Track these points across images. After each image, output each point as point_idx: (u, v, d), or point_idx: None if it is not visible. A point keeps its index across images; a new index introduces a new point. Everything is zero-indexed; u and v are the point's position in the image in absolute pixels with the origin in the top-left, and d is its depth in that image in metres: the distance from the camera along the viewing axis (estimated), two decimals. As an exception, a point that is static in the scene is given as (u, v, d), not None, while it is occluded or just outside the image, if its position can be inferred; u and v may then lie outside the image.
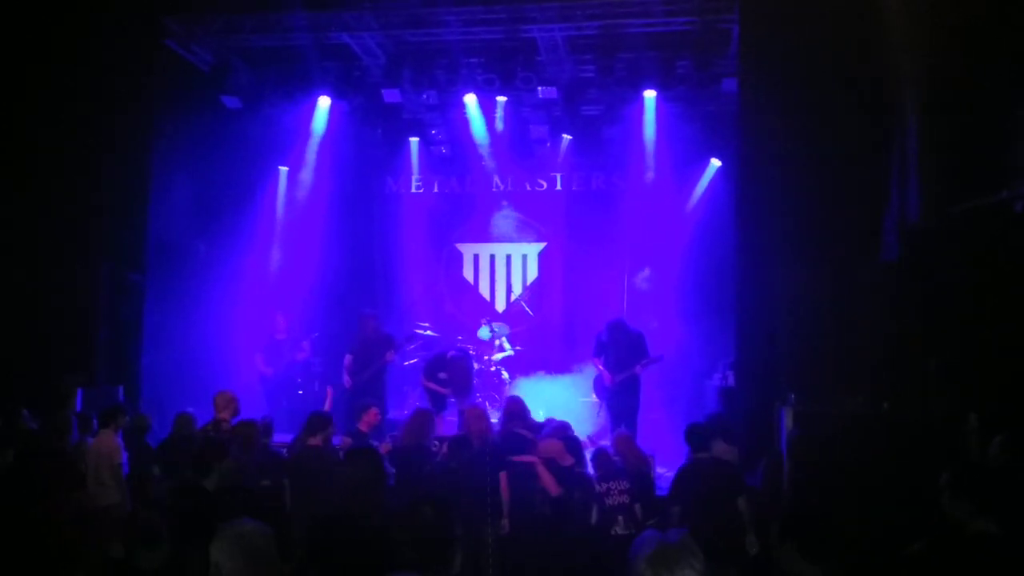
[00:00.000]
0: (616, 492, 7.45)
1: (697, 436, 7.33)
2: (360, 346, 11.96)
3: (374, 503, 6.60)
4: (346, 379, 11.89)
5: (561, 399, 12.27)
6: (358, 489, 6.58)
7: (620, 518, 7.35)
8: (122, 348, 10.76)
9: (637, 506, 7.47)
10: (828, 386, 8.96)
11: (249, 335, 13.38)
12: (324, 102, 13.33)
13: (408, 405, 13.12)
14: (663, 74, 12.12)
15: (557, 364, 13.42)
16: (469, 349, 12.97)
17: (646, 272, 13.52)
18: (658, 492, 8.23)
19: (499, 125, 13.83)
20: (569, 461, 7.43)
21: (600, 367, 11.11)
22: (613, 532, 7.28)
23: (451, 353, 12.02)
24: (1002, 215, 8.53)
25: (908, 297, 9.04)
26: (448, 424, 11.73)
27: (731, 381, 10.81)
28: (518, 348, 14.14)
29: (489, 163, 14.59)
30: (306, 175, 14.45)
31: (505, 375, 13.48)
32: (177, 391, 10.77)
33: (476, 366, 12.85)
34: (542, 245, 15.47)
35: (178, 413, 8.84)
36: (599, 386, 11.22)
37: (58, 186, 10.38)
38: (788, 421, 8.48)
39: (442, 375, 11.80)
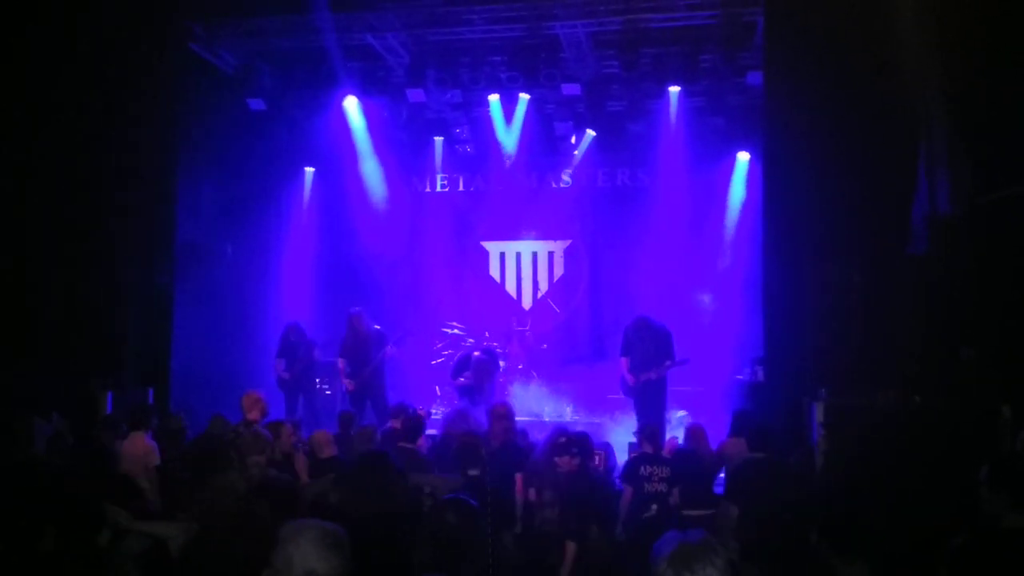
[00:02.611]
0: (657, 479, 7.51)
1: (757, 435, 7.40)
2: (353, 346, 11.90)
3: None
4: (346, 383, 11.87)
5: (588, 396, 12.23)
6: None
7: (654, 506, 7.42)
8: (151, 351, 10.79)
9: (675, 490, 7.52)
10: (859, 380, 8.87)
11: (277, 336, 13.42)
12: (351, 102, 13.37)
13: (437, 404, 13.13)
14: (687, 68, 12.01)
15: (584, 361, 13.38)
16: (496, 348, 12.92)
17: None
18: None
19: (521, 123, 13.77)
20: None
21: (624, 369, 11.01)
22: (644, 516, 7.38)
23: (476, 354, 11.97)
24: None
25: (938, 289, 8.94)
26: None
27: (759, 376, 10.73)
28: (544, 346, 14.14)
29: (512, 161, 14.53)
30: (331, 176, 14.50)
31: (533, 373, 13.45)
32: (207, 393, 10.79)
33: (503, 364, 12.81)
34: (568, 242, 15.40)
35: (213, 415, 8.86)
36: (625, 383, 11.14)
37: (83, 190, 10.43)
38: (819, 416, 8.42)
39: (466, 375, 11.76)
